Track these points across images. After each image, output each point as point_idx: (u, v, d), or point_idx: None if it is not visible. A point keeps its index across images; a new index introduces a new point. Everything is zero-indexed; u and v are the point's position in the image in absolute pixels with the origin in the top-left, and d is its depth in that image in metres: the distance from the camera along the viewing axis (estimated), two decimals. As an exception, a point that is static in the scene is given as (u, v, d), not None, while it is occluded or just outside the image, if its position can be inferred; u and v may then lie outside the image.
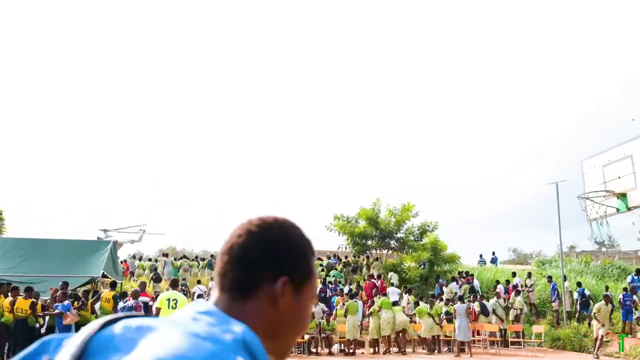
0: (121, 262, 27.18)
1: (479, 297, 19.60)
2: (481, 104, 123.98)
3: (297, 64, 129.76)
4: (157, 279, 24.27)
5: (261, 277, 1.09)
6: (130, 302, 12.32)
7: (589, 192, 9.42)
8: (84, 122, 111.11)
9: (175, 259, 29.01)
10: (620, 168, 8.95)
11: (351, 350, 17.20)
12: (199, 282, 23.22)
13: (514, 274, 24.34)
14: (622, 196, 8.87)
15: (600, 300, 15.36)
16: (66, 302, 13.34)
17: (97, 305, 14.86)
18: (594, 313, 14.96)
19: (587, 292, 20.81)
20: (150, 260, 28.55)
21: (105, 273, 16.16)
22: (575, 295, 20.72)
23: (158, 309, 10.80)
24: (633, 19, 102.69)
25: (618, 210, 8.98)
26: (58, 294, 13.95)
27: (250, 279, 1.09)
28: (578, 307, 20.48)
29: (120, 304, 14.72)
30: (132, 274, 26.78)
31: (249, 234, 1.12)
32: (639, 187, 8.54)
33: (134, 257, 30.30)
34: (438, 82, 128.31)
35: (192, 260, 29.90)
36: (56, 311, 13.36)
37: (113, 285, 15.51)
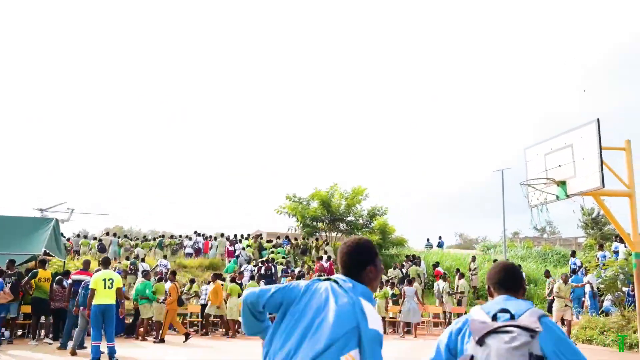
0: (67, 239, 26.63)
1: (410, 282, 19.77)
2: (433, 93, 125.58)
3: (257, 47, 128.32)
4: (101, 249, 24.78)
5: (521, 284, 3.09)
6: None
7: (531, 180, 9.68)
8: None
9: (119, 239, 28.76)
10: (561, 157, 9.24)
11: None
12: (143, 260, 23.25)
13: (436, 264, 24.28)
14: (562, 184, 9.16)
15: (558, 280, 15.90)
16: None
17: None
18: (555, 292, 15.40)
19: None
20: (95, 239, 28.06)
21: (48, 251, 15.70)
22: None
23: (93, 290, 10.54)
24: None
25: (558, 197, 9.27)
26: None
27: (517, 285, 3.05)
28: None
29: (60, 284, 14.38)
30: (77, 252, 26.23)
31: (509, 267, 3.16)
32: (578, 176, 8.83)
33: (78, 235, 29.62)
34: (392, 71, 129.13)
35: (134, 240, 29.68)
36: None
37: (43, 263, 15.10)
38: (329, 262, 22.88)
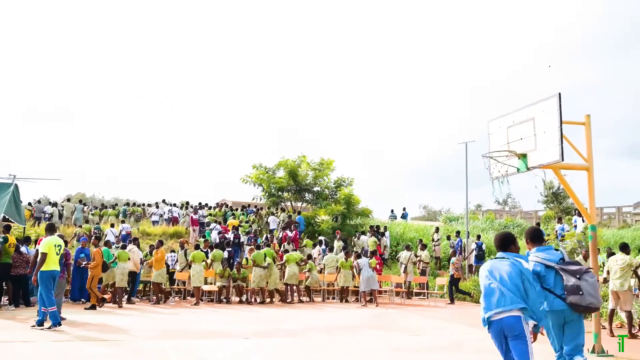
0: (29, 204, 26.19)
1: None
2: (400, 67, 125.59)
3: (230, 16, 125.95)
4: (60, 216, 25.29)
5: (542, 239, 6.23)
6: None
7: (493, 152, 9.81)
8: None
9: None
10: (523, 130, 9.38)
11: (259, 300, 17.40)
12: (112, 225, 23.80)
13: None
14: (523, 157, 9.31)
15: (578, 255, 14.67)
16: None
17: None
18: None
19: (484, 246, 22.03)
20: (55, 205, 27.71)
21: (7, 216, 15.37)
22: (473, 245, 21.87)
23: (45, 255, 10.38)
24: None
25: (518, 169, 9.42)
26: None
27: (542, 238, 6.18)
28: (473, 258, 21.67)
29: (17, 251, 14.16)
30: (38, 219, 25.81)
31: (536, 228, 6.38)
32: (538, 149, 8.99)
33: (39, 201, 29.11)
34: (361, 44, 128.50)
35: (99, 207, 29.66)
36: None
37: (8, 228, 14.88)
38: (294, 232, 23.01)
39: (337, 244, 21.79)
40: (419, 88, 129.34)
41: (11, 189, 15.70)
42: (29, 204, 26.65)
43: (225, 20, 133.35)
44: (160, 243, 17.49)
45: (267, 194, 28.69)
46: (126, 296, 16.42)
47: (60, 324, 10.39)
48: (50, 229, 11.13)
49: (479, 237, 22.83)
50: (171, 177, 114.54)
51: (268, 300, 17.61)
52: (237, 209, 28.88)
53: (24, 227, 18.03)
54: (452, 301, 18.25)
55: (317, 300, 18.50)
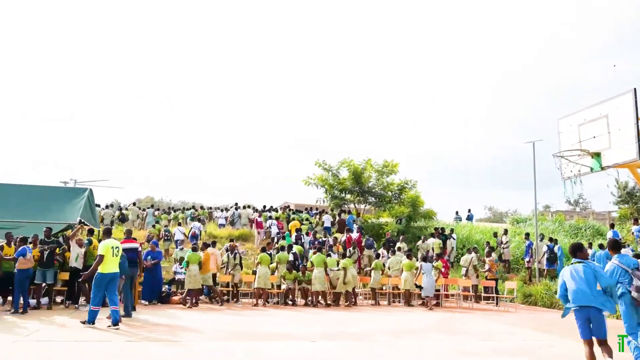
0: (106, 206, 27.48)
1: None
2: (460, 65, 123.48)
3: (296, 13, 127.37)
4: (122, 219, 26.13)
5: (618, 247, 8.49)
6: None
7: (564, 151, 9.50)
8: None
9: (142, 209, 29.82)
10: (595, 128, 9.03)
11: (323, 302, 17.39)
12: (179, 224, 25.05)
13: (495, 234, 24.55)
14: (596, 155, 8.97)
15: None
16: (21, 248, 13.47)
17: (80, 251, 14.92)
18: None
19: (555, 249, 21.06)
20: (121, 209, 28.99)
21: (83, 220, 16.03)
22: (544, 248, 21.02)
23: (102, 256, 10.87)
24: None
25: (592, 169, 9.09)
26: (16, 239, 14.19)
27: (619, 247, 8.19)
28: (545, 261, 20.83)
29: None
30: (112, 222, 26.91)
31: (613, 239, 8.39)
32: (613, 147, 8.63)
33: (112, 205, 30.30)
34: (427, 41, 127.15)
35: (167, 211, 30.60)
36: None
37: (91, 232, 15.57)
38: (358, 234, 22.96)
39: (400, 246, 21.58)
40: (484, 87, 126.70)
41: (86, 193, 16.36)
42: (106, 206, 27.91)
43: (228, 22, 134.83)
44: (205, 245, 17.63)
45: (330, 196, 28.74)
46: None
47: (94, 322, 10.90)
48: (107, 233, 11.70)
49: (550, 239, 22.08)
50: (236, 180, 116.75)
51: (333, 302, 17.62)
52: (300, 211, 29.15)
53: (98, 230, 18.75)
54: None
55: (382, 304, 18.38)
